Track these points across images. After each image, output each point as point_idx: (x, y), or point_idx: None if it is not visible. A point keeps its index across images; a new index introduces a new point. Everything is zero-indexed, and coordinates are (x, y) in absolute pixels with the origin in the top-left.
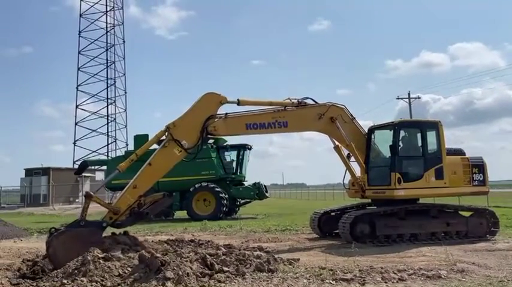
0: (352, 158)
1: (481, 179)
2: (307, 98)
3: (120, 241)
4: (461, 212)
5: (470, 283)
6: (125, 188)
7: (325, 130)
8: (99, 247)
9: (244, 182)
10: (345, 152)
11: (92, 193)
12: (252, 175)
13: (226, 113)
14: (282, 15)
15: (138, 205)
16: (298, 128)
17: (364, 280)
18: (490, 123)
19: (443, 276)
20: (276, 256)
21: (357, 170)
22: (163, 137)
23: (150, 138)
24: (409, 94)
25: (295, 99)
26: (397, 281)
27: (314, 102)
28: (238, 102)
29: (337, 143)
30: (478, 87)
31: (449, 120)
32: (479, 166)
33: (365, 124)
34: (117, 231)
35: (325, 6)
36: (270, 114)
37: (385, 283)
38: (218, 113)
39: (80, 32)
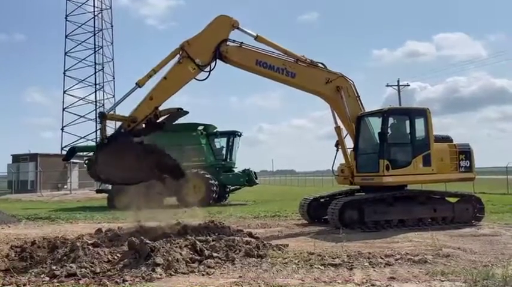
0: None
1: (468, 165)
2: (321, 63)
3: None
4: (447, 198)
5: (455, 267)
6: (141, 100)
7: (330, 97)
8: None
9: (234, 169)
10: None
11: (105, 113)
12: (241, 161)
13: (242, 42)
14: (271, 4)
15: (155, 116)
16: (304, 84)
17: (351, 265)
18: (475, 111)
19: (429, 261)
20: (265, 242)
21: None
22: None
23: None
24: (398, 81)
25: (309, 59)
26: (384, 266)
27: (325, 68)
28: (256, 37)
29: (339, 122)
30: (463, 76)
31: (436, 107)
32: (466, 153)
33: None
34: None
35: None
36: (282, 61)
37: (373, 267)
38: (235, 39)
39: (66, 16)
